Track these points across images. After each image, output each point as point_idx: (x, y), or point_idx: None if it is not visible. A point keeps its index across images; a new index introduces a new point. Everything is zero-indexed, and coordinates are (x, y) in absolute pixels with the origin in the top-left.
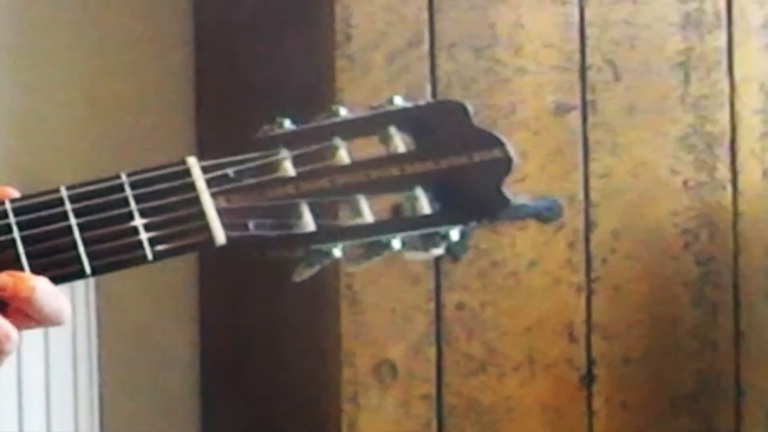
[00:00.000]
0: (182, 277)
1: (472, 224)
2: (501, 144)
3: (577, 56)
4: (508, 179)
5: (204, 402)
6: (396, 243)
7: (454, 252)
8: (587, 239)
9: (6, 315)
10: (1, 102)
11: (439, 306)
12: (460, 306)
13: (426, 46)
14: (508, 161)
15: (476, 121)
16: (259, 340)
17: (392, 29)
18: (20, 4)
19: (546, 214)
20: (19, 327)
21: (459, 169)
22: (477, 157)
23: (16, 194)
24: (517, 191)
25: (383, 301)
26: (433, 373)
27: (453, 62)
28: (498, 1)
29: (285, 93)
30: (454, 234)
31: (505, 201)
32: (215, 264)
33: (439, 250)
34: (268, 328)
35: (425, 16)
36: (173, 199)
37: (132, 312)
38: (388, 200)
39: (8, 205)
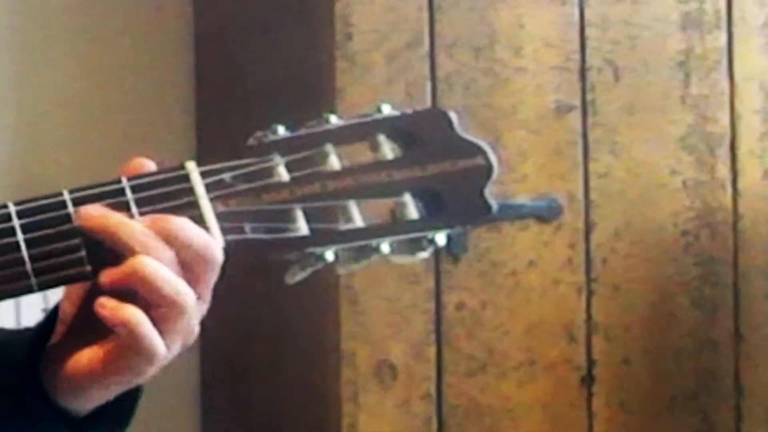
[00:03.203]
0: None
1: (458, 229)
2: (483, 152)
3: (577, 56)
4: (496, 181)
5: (204, 402)
6: (385, 247)
7: (454, 252)
8: (587, 239)
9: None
10: (0, 102)
11: (439, 306)
12: (460, 306)
13: (426, 46)
14: (489, 168)
15: (460, 129)
16: (259, 340)
17: (392, 29)
18: (20, 4)
19: (546, 214)
20: None
21: (444, 175)
22: (461, 164)
23: (152, 166)
24: (517, 191)
25: (383, 301)
26: (433, 373)
27: (453, 62)
28: (498, 1)
29: (285, 93)
30: (441, 238)
31: (488, 207)
32: None
33: (425, 254)
34: (268, 328)
35: (425, 16)
36: (174, 203)
37: None
38: (377, 205)
39: (12, 208)
